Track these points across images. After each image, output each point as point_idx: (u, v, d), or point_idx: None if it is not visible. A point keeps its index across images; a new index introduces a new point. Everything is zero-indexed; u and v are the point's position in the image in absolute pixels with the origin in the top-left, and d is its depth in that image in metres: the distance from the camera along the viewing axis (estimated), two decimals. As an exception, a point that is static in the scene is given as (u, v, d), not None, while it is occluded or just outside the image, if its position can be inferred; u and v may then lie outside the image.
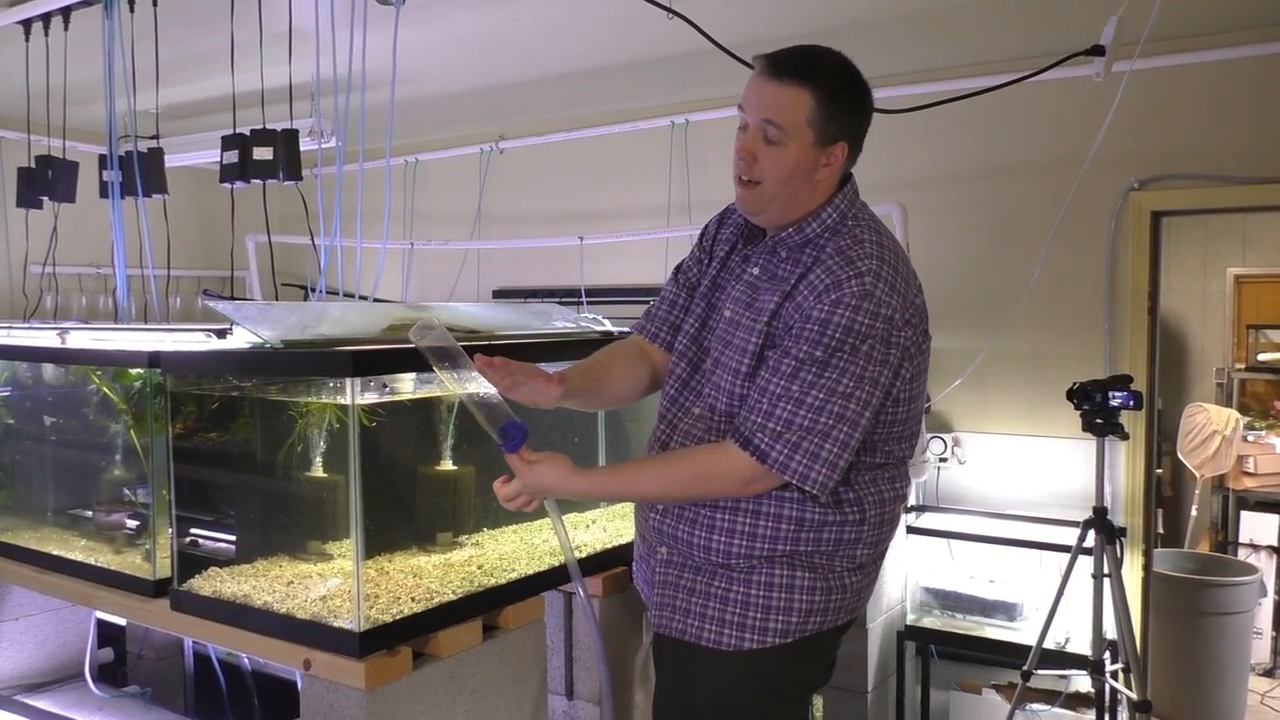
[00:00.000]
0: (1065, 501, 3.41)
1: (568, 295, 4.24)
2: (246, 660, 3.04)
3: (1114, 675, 3.00)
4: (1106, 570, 2.88)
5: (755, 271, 1.69)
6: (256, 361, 2.04)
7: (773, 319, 1.62)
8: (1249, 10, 3.01)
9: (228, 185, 2.85)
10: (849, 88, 1.62)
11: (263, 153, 2.76)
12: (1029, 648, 2.98)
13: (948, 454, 3.59)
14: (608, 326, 2.69)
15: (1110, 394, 2.85)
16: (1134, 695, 2.89)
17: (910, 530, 3.42)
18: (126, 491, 2.47)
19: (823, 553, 1.65)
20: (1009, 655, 3.22)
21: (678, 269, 1.89)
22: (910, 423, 1.70)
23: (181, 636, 3.01)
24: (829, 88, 1.58)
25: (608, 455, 2.58)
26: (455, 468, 2.21)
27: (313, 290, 3.98)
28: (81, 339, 2.65)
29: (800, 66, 1.58)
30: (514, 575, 2.12)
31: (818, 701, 2.06)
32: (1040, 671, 2.98)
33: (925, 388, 1.72)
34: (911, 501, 3.56)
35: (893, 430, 1.66)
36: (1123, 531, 3.12)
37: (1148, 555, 3.36)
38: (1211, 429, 4.79)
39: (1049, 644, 3.00)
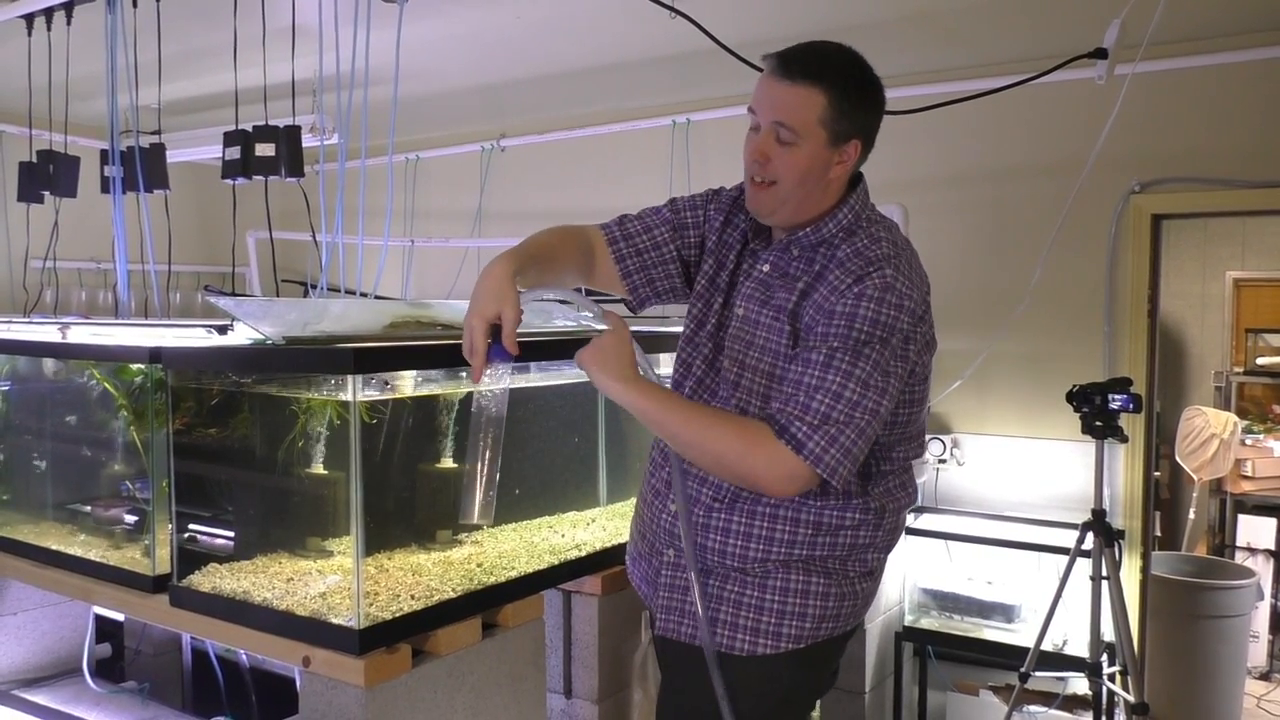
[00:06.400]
0: (1064, 504, 3.41)
1: (568, 294, 4.23)
2: (244, 656, 3.04)
3: (1111, 678, 3.00)
4: (1105, 573, 2.89)
5: (766, 269, 1.67)
6: (258, 357, 2.04)
7: (794, 319, 1.59)
8: (1250, 14, 3.02)
9: (229, 181, 2.86)
10: (861, 84, 1.59)
11: (265, 149, 2.76)
12: (1027, 649, 2.99)
13: (946, 455, 3.60)
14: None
15: (1110, 397, 2.85)
16: (1131, 698, 2.90)
17: (909, 531, 3.42)
18: (126, 486, 2.47)
19: (837, 557, 1.64)
20: (1006, 657, 3.22)
21: (673, 204, 1.82)
22: (917, 424, 1.70)
23: (180, 632, 3.01)
24: (841, 86, 1.55)
25: (608, 456, 2.58)
26: (455, 465, 2.21)
27: (313, 287, 3.98)
28: (82, 334, 2.64)
29: (811, 65, 1.55)
30: (513, 573, 2.12)
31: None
32: (1038, 673, 2.99)
33: (929, 391, 1.72)
34: (910, 502, 3.57)
35: (906, 431, 1.67)
36: (1121, 534, 3.12)
37: (1145, 558, 3.36)
38: (1210, 432, 4.79)
39: (1047, 646, 3.00)
